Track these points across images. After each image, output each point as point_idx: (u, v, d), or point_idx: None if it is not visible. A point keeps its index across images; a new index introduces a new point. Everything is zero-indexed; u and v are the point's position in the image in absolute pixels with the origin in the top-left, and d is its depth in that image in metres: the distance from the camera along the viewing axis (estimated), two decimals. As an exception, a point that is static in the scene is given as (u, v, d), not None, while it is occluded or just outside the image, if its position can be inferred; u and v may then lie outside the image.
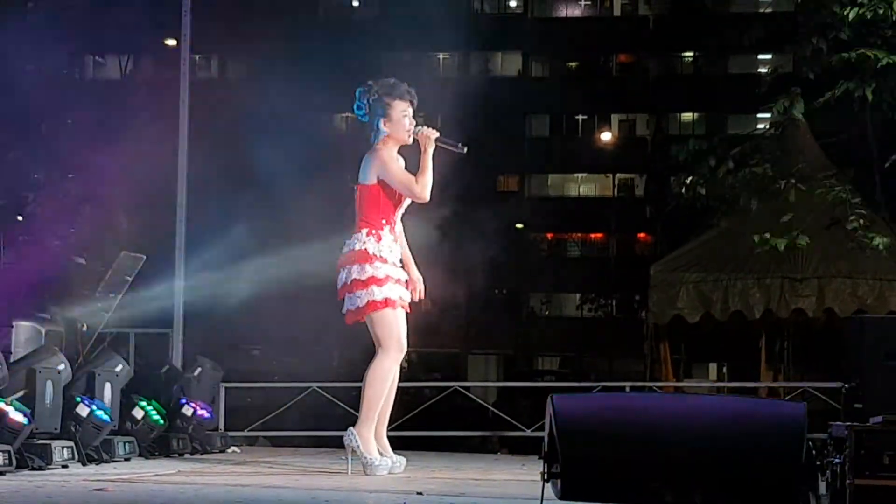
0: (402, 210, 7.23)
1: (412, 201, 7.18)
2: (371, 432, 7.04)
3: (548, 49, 43.30)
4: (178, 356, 10.68)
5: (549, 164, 43.30)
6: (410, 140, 7.17)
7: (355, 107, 7.21)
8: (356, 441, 6.99)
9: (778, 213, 13.11)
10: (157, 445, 8.61)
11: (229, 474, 7.08)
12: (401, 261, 7.22)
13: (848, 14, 11.77)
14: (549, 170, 43.82)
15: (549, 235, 44.52)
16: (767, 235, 12.62)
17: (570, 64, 44.54)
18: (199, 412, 9.31)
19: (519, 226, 40.47)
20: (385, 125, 7.11)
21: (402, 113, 7.12)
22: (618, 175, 43.72)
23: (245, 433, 11.14)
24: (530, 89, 42.92)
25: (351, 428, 7.04)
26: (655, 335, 14.65)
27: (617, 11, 44.35)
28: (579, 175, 44.60)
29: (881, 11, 11.72)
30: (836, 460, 4.64)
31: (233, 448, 9.86)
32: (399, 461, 7.18)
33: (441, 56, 42.96)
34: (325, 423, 11.97)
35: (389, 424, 7.35)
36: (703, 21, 40.32)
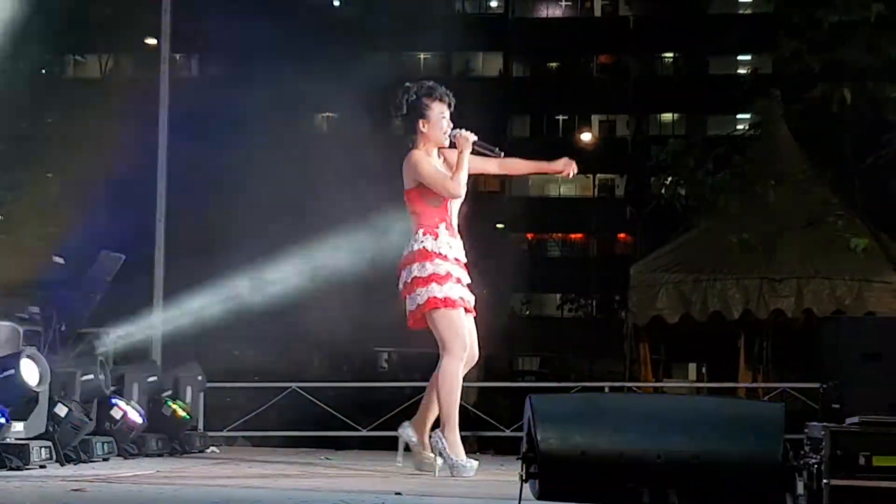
0: (456, 205, 7.21)
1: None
2: (456, 435, 7.04)
3: (529, 49, 43.36)
4: (158, 356, 10.66)
5: (529, 165, 43.29)
6: (447, 142, 7.20)
7: (393, 108, 7.20)
8: (443, 444, 7.02)
9: (757, 213, 13.16)
10: (135, 445, 8.59)
11: (208, 474, 7.07)
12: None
13: (826, 15, 11.85)
14: (529, 170, 43.82)
15: (530, 235, 44.55)
16: (746, 236, 12.69)
17: (551, 64, 44.60)
18: (179, 412, 9.30)
19: (500, 226, 40.49)
20: (423, 126, 7.13)
21: (440, 114, 7.15)
22: (598, 175, 43.79)
23: (225, 433, 11.12)
24: (511, 90, 42.96)
25: (437, 430, 7.06)
26: (635, 335, 14.68)
27: (598, 12, 44.43)
28: (559, 175, 44.65)
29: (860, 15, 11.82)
30: (813, 461, 4.65)
31: (212, 448, 9.84)
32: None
33: (422, 56, 42.95)
34: (305, 423, 11.96)
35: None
36: (683, 22, 40.42)
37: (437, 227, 7.08)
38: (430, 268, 7.01)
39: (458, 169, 7.09)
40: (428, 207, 7.10)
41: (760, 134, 14.42)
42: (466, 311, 7.10)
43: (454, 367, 7.03)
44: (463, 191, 7.10)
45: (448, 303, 6.98)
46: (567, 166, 7.49)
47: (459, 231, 7.23)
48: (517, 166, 7.71)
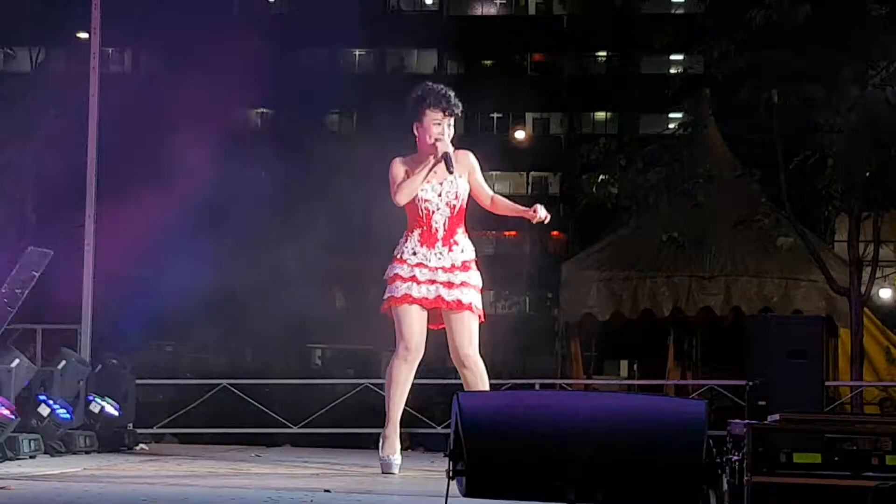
0: (442, 214, 7.12)
1: (461, 200, 7.23)
2: (389, 431, 7.16)
3: (463, 47, 43.41)
4: (87, 352, 10.55)
5: (464, 162, 43.32)
6: (434, 147, 7.02)
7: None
8: (381, 441, 7.16)
9: (687, 212, 13.29)
10: (63, 443, 8.51)
11: (136, 472, 7.03)
12: (461, 263, 7.12)
13: (755, 17, 11.99)
14: (464, 167, 43.84)
15: (464, 233, 44.57)
16: (675, 234, 12.81)
17: (486, 62, 44.70)
18: (107, 409, 9.23)
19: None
20: (416, 129, 7.08)
21: (433, 121, 7.02)
22: (532, 173, 43.95)
23: (154, 430, 11.05)
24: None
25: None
26: (566, 332, 14.78)
27: (532, 11, 44.60)
28: (494, 173, 44.68)
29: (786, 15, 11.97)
30: (735, 458, 4.71)
31: (141, 445, 9.77)
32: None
33: (357, 53, 42.86)
34: (235, 420, 11.90)
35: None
36: (616, 21, 40.65)
37: (412, 232, 7.11)
38: (389, 270, 7.10)
39: (411, 178, 7.01)
40: (409, 211, 7.12)
41: (691, 133, 14.56)
42: (421, 305, 7.06)
43: (393, 363, 7.21)
44: (401, 200, 7.00)
45: (392, 301, 7.04)
46: (541, 211, 7.40)
47: (449, 238, 7.14)
48: (501, 206, 7.69)
